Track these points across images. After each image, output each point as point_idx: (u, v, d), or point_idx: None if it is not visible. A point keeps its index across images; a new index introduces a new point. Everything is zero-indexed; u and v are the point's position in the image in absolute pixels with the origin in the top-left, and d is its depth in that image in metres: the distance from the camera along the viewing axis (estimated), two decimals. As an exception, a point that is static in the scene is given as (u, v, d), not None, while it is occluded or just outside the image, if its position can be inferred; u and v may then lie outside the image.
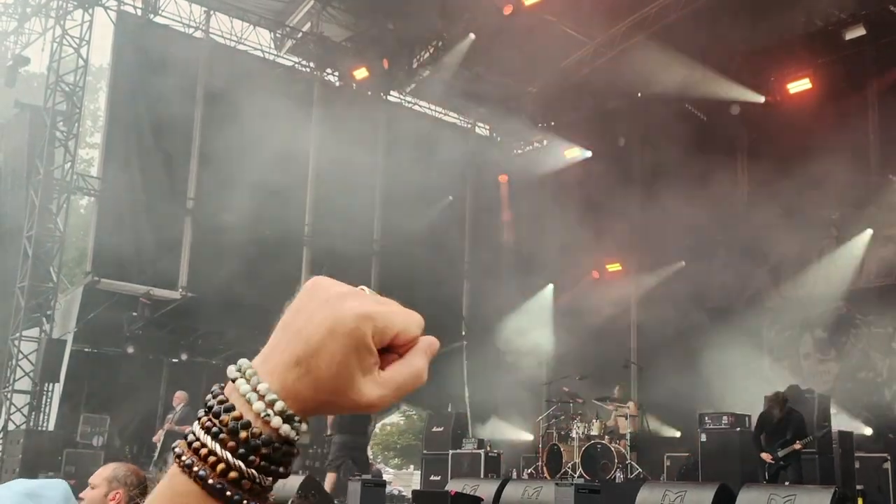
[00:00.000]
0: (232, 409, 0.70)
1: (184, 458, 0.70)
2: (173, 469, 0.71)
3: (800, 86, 16.28)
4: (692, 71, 16.87)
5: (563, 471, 13.89)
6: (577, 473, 13.37)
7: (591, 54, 18.76)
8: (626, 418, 14.29)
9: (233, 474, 0.69)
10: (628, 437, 13.97)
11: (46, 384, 15.57)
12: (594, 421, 14.27)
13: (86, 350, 17.07)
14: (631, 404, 14.71)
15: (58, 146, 16.08)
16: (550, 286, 20.63)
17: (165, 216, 16.66)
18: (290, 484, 11.28)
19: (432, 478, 15.38)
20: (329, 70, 19.86)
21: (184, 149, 17.20)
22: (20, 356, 15.31)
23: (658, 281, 17.97)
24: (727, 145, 17.39)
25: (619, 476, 13.20)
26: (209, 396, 0.72)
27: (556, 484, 9.93)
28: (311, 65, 19.50)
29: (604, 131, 19.42)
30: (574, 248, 18.24)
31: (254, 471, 0.70)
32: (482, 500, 10.21)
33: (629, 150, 18.70)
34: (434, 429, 15.87)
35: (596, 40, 18.38)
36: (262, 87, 16.59)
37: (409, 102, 21.14)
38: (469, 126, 22.40)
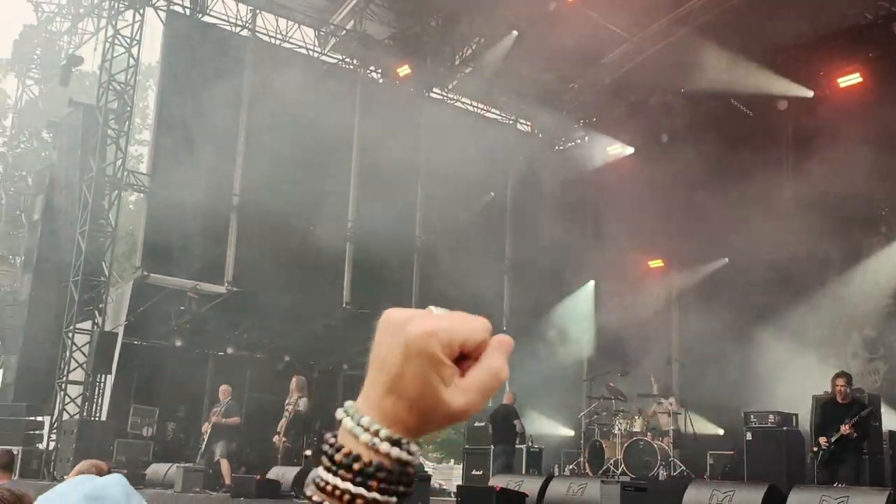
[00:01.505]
0: (342, 447, 0.79)
1: (315, 497, 0.80)
2: None
3: (850, 80, 16.03)
4: (737, 66, 16.75)
5: (605, 467, 13.92)
6: (620, 470, 13.41)
7: (633, 50, 18.69)
8: (669, 415, 14.27)
9: (359, 501, 0.78)
10: (671, 433, 13.95)
11: (99, 375, 15.93)
12: (636, 417, 14.27)
13: (136, 343, 17.41)
14: (673, 401, 14.69)
15: (109, 143, 16.41)
16: (591, 282, 20.64)
17: (212, 212, 16.91)
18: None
19: (474, 472, 15.51)
20: (372, 67, 20.02)
21: (230, 145, 17.43)
22: (74, 348, 15.67)
23: (701, 277, 17.90)
24: (773, 141, 17.23)
25: (663, 473, 13.21)
26: (325, 445, 0.82)
27: (602, 481, 9.99)
28: (355, 62, 19.67)
29: (646, 127, 19.34)
30: (616, 244, 18.22)
31: (375, 494, 0.78)
32: (527, 496, 10.29)
33: (672, 147, 18.62)
34: (476, 424, 15.97)
35: (638, 36, 18.31)
36: (307, 85, 16.76)
37: (451, 99, 21.23)
38: (510, 122, 22.43)
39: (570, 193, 20.27)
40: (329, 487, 0.78)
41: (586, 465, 14.61)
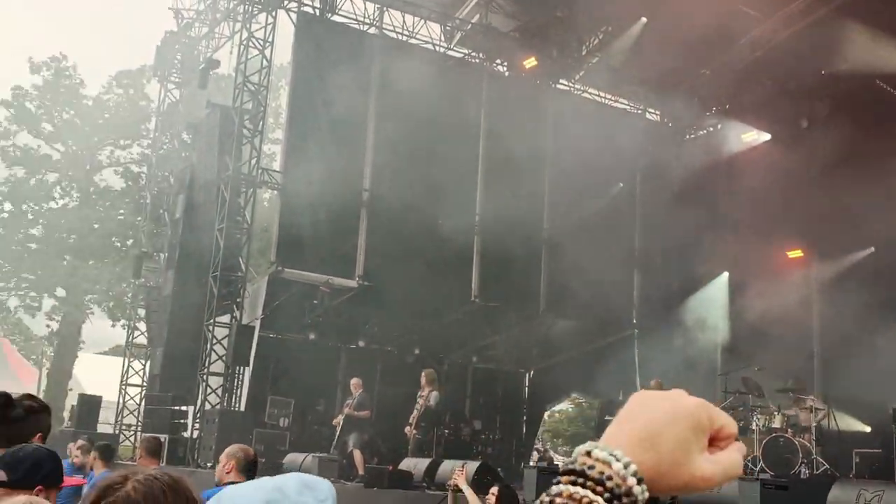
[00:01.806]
0: (594, 467, 0.83)
1: None
2: None
3: None
4: (882, 44, 15.88)
5: (743, 464, 13.47)
6: (759, 467, 12.94)
7: (768, 32, 17.99)
8: (811, 411, 13.67)
9: None
10: (813, 430, 13.37)
11: (238, 367, 16.53)
12: (776, 413, 13.73)
13: (271, 336, 17.93)
14: (814, 396, 14.07)
15: (244, 143, 16.99)
16: (725, 274, 20.00)
17: (342, 207, 17.26)
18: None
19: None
20: (498, 60, 20.00)
21: (359, 141, 17.73)
22: (214, 341, 16.31)
23: (844, 268, 17.09)
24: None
25: (805, 471, 12.67)
26: (570, 465, 0.85)
27: (740, 479, 9.66)
28: (481, 56, 19.69)
29: (784, 113, 18.56)
30: (751, 234, 17.59)
31: None
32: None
33: (812, 132, 17.81)
34: (607, 417, 15.74)
35: (774, 17, 17.60)
36: (433, 80, 16.88)
37: (577, 90, 21.00)
38: (639, 112, 22.00)
39: (701, 183, 19.70)
40: (584, 500, 0.82)
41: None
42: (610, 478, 0.81)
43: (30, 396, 3.82)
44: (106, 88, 35.11)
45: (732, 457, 0.88)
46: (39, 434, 3.57)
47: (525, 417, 21.17)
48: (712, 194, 19.78)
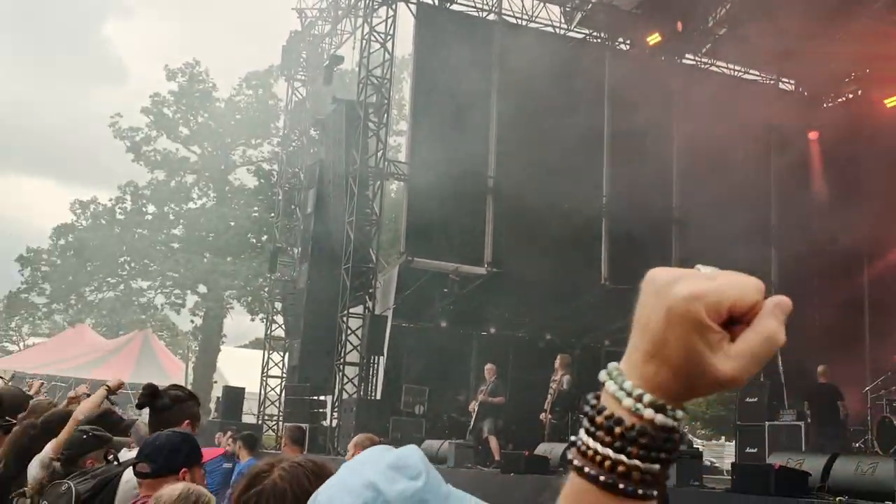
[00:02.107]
0: (604, 409, 0.75)
1: (575, 462, 0.76)
2: (571, 474, 0.77)
3: None
4: None
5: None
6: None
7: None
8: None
9: (620, 468, 0.73)
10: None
11: (372, 357, 16.85)
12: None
13: (403, 325, 18.17)
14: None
15: (370, 136, 17.27)
16: (868, 247, 19.00)
17: (468, 194, 17.32)
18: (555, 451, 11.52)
19: (748, 450, 14.83)
20: (620, 39, 19.61)
21: (482, 128, 17.71)
22: (349, 332, 16.68)
23: None
24: None
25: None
26: (585, 405, 0.77)
27: (896, 460, 9.18)
28: (603, 35, 19.35)
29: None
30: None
31: (636, 461, 0.73)
32: (810, 475, 9.67)
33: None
34: (747, 399, 15.25)
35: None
36: (555, 62, 16.70)
37: (705, 64, 20.38)
38: (771, 82, 21.16)
39: (841, 153, 18.79)
40: (590, 453, 0.75)
41: (874, 442, 13.52)
42: (619, 421, 0.73)
43: (176, 386, 3.97)
44: (236, 90, 36.42)
45: (756, 335, 0.73)
46: (188, 422, 3.67)
47: (661, 401, 20.72)
48: (854, 165, 18.83)
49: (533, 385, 15.36)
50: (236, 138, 36.17)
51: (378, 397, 16.82)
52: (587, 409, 0.77)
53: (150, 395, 3.70)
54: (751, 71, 20.90)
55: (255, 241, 34.88)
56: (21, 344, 42.79)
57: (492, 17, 18.53)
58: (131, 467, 3.36)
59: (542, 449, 12.82)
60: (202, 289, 34.35)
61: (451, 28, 17.61)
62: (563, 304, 18.03)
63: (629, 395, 0.74)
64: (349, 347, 16.66)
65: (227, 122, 35.67)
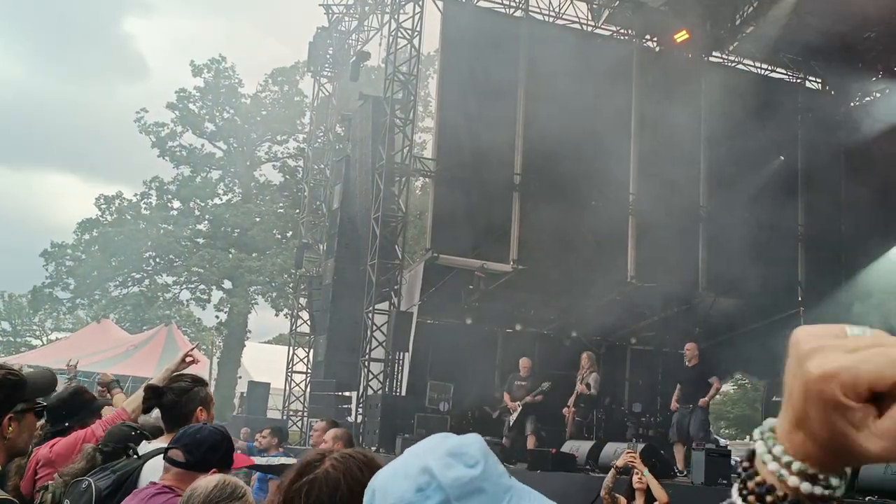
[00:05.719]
0: (755, 475, 0.75)
1: None
2: None
3: None
4: None
5: None
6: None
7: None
8: None
9: None
10: None
11: (397, 353, 16.88)
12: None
13: (429, 322, 18.17)
14: None
15: (396, 132, 17.29)
16: (897, 247, 18.88)
17: (495, 191, 17.31)
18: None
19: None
20: (647, 36, 19.52)
21: (508, 125, 17.60)
22: (374, 328, 16.72)
23: None
24: None
25: None
26: (738, 468, 0.78)
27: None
28: (630, 32, 19.28)
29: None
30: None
31: None
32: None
33: None
34: (774, 398, 15.23)
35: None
36: (582, 59, 16.65)
37: (732, 62, 20.26)
38: (799, 81, 21.00)
39: (869, 151, 18.62)
40: None
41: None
42: (771, 489, 0.72)
43: (179, 377, 3.93)
44: (262, 86, 36.57)
45: None
46: (200, 408, 3.63)
47: (686, 400, 20.62)
48: (882, 163, 18.67)
49: (559, 382, 15.33)
50: (262, 134, 36.34)
51: (403, 393, 16.85)
52: (739, 471, 0.78)
53: (155, 396, 3.68)
54: (778, 69, 20.75)
55: (280, 236, 35.04)
56: (45, 339, 43.24)
57: (518, 13, 18.49)
58: (152, 459, 3.35)
59: (569, 446, 12.83)
60: (227, 284, 34.55)
61: (478, 24, 17.57)
62: (589, 302, 17.98)
63: (776, 459, 0.73)
64: (374, 343, 16.69)
65: (253, 117, 35.85)
